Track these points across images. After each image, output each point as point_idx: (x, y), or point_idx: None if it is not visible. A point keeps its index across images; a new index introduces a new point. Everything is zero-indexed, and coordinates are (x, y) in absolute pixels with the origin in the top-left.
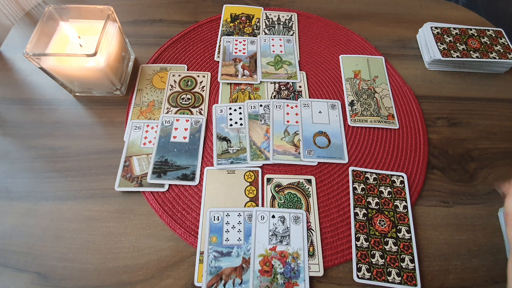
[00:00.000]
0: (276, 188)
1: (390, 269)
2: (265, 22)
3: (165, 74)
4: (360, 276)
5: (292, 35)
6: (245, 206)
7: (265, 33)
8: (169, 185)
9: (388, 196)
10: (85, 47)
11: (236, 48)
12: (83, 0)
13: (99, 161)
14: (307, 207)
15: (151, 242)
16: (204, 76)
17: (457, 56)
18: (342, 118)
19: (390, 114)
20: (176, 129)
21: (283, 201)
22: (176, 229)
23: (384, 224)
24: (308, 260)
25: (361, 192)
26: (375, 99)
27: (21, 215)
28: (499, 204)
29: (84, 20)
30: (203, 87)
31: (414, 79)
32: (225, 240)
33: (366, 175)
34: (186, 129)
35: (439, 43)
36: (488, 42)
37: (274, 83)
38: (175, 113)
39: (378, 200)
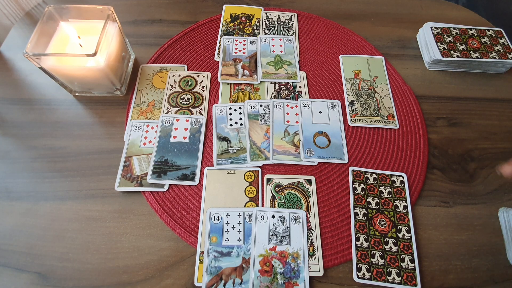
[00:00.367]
0: (276, 188)
1: (390, 269)
2: (265, 22)
3: (165, 74)
4: (360, 276)
5: (292, 35)
6: (245, 206)
7: (265, 33)
8: (169, 185)
9: (388, 196)
10: (85, 47)
11: (236, 48)
12: (83, 0)
13: (99, 161)
14: (307, 207)
15: (151, 242)
16: (204, 76)
17: (457, 56)
18: (342, 118)
19: (390, 114)
20: (176, 129)
21: (283, 201)
22: (176, 229)
23: (384, 224)
24: (308, 260)
25: (361, 192)
26: (375, 99)
27: (21, 215)
28: (499, 204)
29: (84, 20)
30: (203, 87)
31: (414, 79)
32: (225, 240)
33: (366, 175)
34: (186, 129)
35: (439, 43)
36: (488, 42)
37: (274, 83)
38: (175, 113)
39: (378, 200)
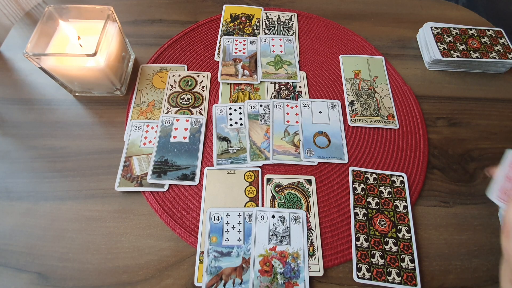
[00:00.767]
0: (276, 188)
1: (390, 269)
2: (265, 22)
3: (165, 74)
4: (360, 276)
5: (292, 35)
6: (245, 206)
7: (265, 33)
8: (169, 185)
9: (388, 196)
10: (85, 47)
11: (236, 48)
12: (83, 0)
13: (99, 161)
14: (307, 207)
15: (151, 242)
16: (204, 76)
17: (457, 56)
18: (342, 118)
19: (390, 114)
20: (176, 129)
21: (283, 201)
22: (176, 229)
23: (384, 224)
24: (308, 260)
25: (361, 192)
26: (375, 99)
27: (21, 215)
28: None
29: (84, 20)
30: (203, 87)
31: (414, 79)
32: (225, 240)
33: (366, 175)
34: (186, 129)
35: (439, 43)
36: (488, 42)
37: (274, 83)
38: (175, 113)
39: (378, 200)
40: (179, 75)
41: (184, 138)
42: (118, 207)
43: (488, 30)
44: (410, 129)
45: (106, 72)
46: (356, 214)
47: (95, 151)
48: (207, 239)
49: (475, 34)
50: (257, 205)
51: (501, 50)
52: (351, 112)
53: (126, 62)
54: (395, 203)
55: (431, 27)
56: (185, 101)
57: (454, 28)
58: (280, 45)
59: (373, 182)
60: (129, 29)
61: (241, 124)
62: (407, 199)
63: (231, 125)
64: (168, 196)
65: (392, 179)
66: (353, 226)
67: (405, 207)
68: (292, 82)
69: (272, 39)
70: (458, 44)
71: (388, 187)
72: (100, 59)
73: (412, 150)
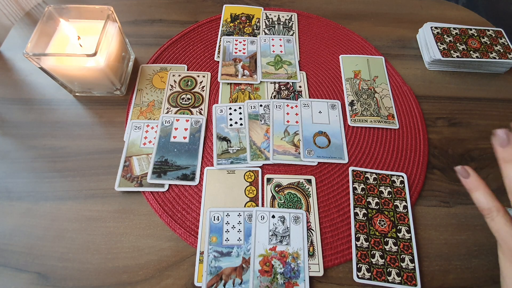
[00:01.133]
0: (276, 188)
1: (390, 269)
2: (265, 22)
3: (165, 74)
4: (360, 276)
5: (292, 35)
6: (245, 206)
7: (265, 33)
8: (169, 185)
9: (388, 196)
10: (85, 47)
11: (236, 48)
12: (83, 0)
13: (99, 161)
14: (307, 207)
15: (151, 242)
16: (204, 76)
17: (457, 56)
18: (342, 118)
19: (390, 114)
20: (176, 129)
21: (283, 201)
22: (176, 229)
23: (384, 224)
24: (308, 260)
25: (361, 192)
26: (375, 99)
27: (21, 215)
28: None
29: (84, 20)
30: (203, 87)
31: (414, 79)
32: (225, 240)
33: (366, 175)
34: (186, 129)
35: (439, 43)
36: (488, 42)
37: (274, 83)
38: (175, 113)
39: (378, 200)
40: (179, 75)
41: (184, 138)
42: (118, 207)
43: (488, 30)
44: (410, 129)
45: (106, 72)
46: (356, 214)
47: (95, 151)
48: (207, 239)
49: (475, 34)
50: (257, 205)
51: (501, 50)
52: (351, 112)
53: (126, 62)
54: (395, 203)
55: (431, 27)
56: (185, 101)
57: (454, 28)
58: (280, 45)
59: (373, 182)
60: (129, 29)
61: (241, 124)
62: (407, 199)
63: (231, 125)
64: (168, 196)
65: (392, 179)
66: (353, 226)
67: (405, 207)
68: (292, 82)
69: (272, 39)
70: (458, 44)
71: (388, 187)
72: (100, 59)
73: (412, 150)
